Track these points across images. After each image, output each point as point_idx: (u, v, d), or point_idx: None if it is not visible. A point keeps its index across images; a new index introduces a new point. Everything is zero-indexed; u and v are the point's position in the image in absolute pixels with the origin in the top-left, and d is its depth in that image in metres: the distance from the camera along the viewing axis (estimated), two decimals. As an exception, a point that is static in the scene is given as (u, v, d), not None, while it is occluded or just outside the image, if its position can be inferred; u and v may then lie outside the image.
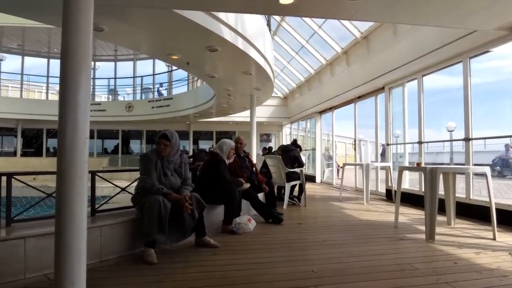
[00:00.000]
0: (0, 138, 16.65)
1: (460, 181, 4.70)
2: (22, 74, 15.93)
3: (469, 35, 4.38)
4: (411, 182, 6.32)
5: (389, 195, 6.57)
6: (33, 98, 16.54)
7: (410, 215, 4.84)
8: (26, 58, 15.85)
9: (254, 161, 5.46)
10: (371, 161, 7.01)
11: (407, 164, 6.32)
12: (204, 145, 16.98)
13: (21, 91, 16.02)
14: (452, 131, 11.07)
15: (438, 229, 3.47)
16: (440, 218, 3.93)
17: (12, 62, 16.44)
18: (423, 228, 3.57)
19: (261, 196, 4.67)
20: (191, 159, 10.61)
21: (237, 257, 2.86)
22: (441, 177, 3.55)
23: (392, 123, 6.75)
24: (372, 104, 7.56)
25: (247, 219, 3.85)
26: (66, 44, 1.83)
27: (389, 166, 6.51)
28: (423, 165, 4.00)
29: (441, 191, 3.64)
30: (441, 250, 3.06)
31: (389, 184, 6.54)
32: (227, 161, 4.03)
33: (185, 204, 2.85)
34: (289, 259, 2.82)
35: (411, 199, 5.70)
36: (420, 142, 5.68)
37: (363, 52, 7.02)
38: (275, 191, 5.27)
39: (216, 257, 2.85)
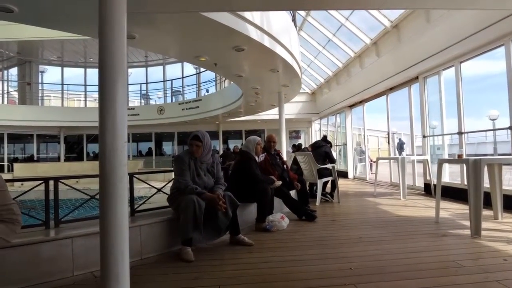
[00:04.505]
0: (45, 145, 17.88)
1: (506, 172, 4.38)
2: (62, 84, 17.01)
3: (511, 16, 4.06)
4: (451, 175, 6.00)
5: (427, 190, 6.27)
6: (72, 106, 17.63)
7: (452, 210, 4.59)
8: (65, 69, 16.91)
9: (285, 158, 5.44)
10: (407, 154, 6.73)
11: (446, 156, 6.00)
12: (234, 144, 17.19)
13: (62, 100, 17.11)
14: (495, 119, 10.36)
15: (484, 224, 3.26)
16: (486, 212, 3.68)
17: (53, 73, 17.61)
18: (467, 223, 3.38)
19: (293, 193, 4.64)
20: (221, 158, 10.78)
21: (271, 255, 2.86)
22: (485, 169, 3.33)
23: (428, 114, 6.43)
24: (406, 95, 7.26)
25: (280, 216, 3.84)
26: (103, 54, 1.92)
27: (427, 159, 6.21)
28: (464, 156, 3.77)
29: (485, 183, 3.41)
30: (488, 246, 2.88)
31: (428, 178, 6.25)
32: (257, 159, 4.05)
33: (219, 203, 2.90)
34: (324, 256, 2.78)
35: (452, 193, 5.41)
36: (460, 133, 5.36)
37: (393, 42, 6.75)
38: (307, 188, 5.22)
39: (251, 255, 2.87)
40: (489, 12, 4.26)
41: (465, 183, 4.94)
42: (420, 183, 6.81)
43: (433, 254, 2.73)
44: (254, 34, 4.49)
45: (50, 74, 17.70)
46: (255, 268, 2.55)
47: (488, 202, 3.76)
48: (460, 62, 5.35)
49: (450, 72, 5.68)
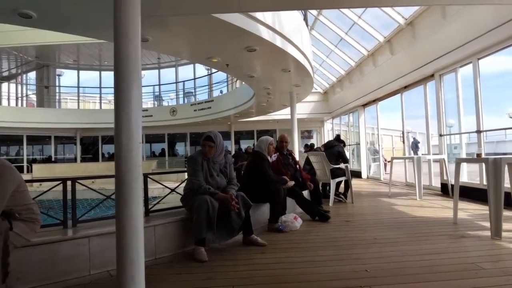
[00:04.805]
0: (62, 146, 18.35)
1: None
2: (78, 87, 17.43)
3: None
4: (469, 174, 5.84)
5: (444, 190, 6.13)
6: (88, 108, 18.04)
7: (470, 210, 4.47)
8: (81, 72, 17.32)
9: (297, 158, 5.40)
10: (422, 154, 6.60)
11: (464, 156, 5.85)
12: (246, 144, 17.22)
13: (78, 102, 17.53)
14: (515, 117, 10.02)
15: (505, 225, 3.16)
16: (506, 213, 3.57)
17: (69, 76, 18.09)
18: (487, 224, 3.28)
19: (306, 193, 4.61)
20: (233, 158, 10.80)
21: (284, 256, 2.85)
22: (506, 168, 3.22)
23: (444, 112, 6.28)
24: (421, 93, 7.11)
25: (293, 217, 3.82)
26: (118, 57, 1.95)
27: (444, 159, 6.07)
28: (483, 155, 3.66)
29: (506, 183, 3.30)
30: (509, 248, 2.79)
31: (445, 178, 6.10)
32: (269, 159, 4.04)
33: (231, 203, 2.91)
34: (338, 257, 2.75)
35: (470, 193, 5.26)
36: (478, 131, 5.21)
37: (408, 39, 6.61)
38: (320, 188, 5.17)
39: (264, 256, 2.87)
40: (507, 7, 4.12)
41: (485, 183, 4.80)
42: (436, 183, 6.66)
43: (451, 256, 2.66)
44: (265, 34, 4.48)
45: (67, 78, 18.20)
46: (268, 268, 2.55)
47: (508, 202, 3.64)
48: (478, 59, 5.21)
49: (467, 69, 5.53)
